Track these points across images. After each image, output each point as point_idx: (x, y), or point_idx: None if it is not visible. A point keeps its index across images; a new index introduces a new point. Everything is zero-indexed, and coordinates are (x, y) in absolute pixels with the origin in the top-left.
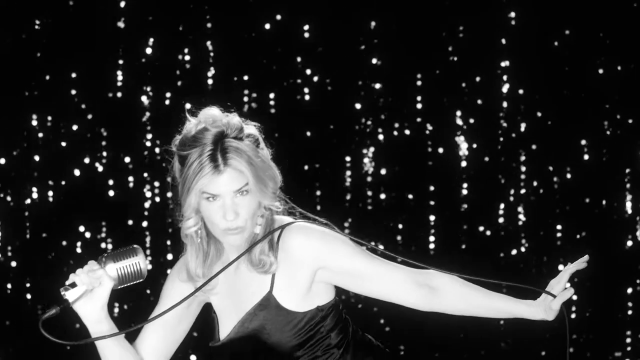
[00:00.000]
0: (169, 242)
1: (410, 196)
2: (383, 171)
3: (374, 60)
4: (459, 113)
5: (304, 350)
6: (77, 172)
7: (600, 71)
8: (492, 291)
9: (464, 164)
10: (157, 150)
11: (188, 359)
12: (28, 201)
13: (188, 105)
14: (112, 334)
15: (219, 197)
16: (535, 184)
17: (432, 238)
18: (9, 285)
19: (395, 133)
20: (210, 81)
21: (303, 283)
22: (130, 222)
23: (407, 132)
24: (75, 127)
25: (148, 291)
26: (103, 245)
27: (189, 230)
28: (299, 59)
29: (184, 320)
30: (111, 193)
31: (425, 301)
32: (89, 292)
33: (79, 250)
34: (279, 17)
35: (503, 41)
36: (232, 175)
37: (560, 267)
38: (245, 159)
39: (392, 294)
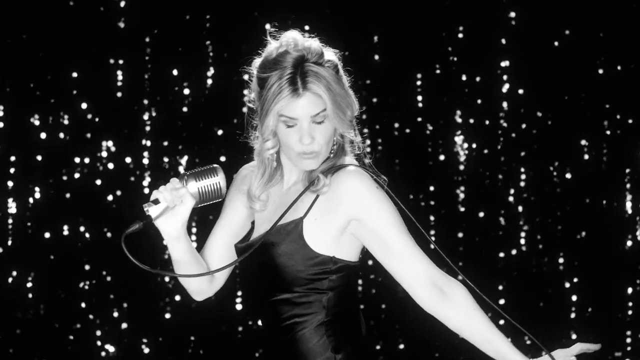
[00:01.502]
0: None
1: (410, 196)
2: (382, 171)
3: (374, 60)
4: (459, 113)
5: (302, 288)
6: (77, 172)
7: (600, 71)
8: (501, 334)
9: (464, 163)
10: (155, 152)
11: None
12: (30, 201)
13: (269, 28)
14: (192, 274)
15: (296, 121)
16: (535, 184)
17: (431, 238)
18: (9, 285)
19: (395, 133)
20: (210, 81)
21: (334, 226)
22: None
23: (407, 131)
24: (75, 127)
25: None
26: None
27: (267, 152)
28: None
29: (246, 230)
30: (111, 193)
31: (431, 302)
32: (171, 209)
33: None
34: (279, 17)
35: (503, 41)
36: (311, 99)
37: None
38: (324, 84)
39: (404, 277)
